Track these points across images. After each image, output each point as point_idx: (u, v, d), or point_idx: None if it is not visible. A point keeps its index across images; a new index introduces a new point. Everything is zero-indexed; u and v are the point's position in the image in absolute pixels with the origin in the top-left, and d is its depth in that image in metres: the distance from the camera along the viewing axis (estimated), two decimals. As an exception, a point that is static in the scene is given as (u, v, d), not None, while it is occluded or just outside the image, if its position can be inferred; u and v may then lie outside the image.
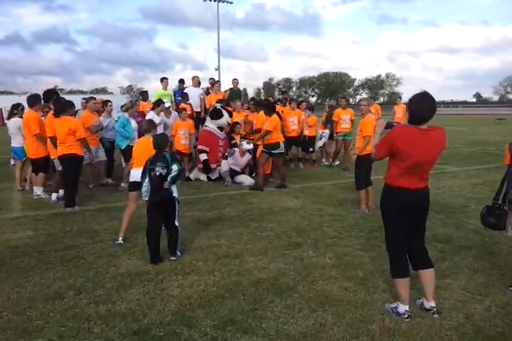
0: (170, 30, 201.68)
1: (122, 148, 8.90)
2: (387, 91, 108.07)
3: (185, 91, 11.41)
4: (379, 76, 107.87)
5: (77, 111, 11.34)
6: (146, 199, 4.84)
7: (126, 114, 8.99)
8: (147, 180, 4.78)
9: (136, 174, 5.29)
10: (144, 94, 12.12)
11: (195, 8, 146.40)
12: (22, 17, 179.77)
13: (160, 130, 9.14)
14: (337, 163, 12.00)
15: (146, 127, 5.79)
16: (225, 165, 9.20)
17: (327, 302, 3.81)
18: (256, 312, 3.64)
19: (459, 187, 8.54)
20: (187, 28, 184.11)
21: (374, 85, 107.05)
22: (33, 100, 8.08)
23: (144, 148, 5.41)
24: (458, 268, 4.55)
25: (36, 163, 7.88)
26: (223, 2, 45.09)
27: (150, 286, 4.19)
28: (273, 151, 8.61)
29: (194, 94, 11.25)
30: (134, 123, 9.11)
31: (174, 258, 4.82)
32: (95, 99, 9.44)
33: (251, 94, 79.91)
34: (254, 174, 9.76)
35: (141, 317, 3.58)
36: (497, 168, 11.00)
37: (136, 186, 5.27)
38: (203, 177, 9.70)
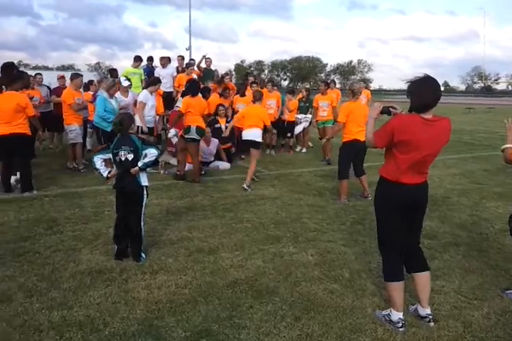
0: (139, 8, 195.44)
1: (108, 130, 7.86)
2: (358, 77, 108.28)
3: (155, 72, 10.87)
4: (350, 62, 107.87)
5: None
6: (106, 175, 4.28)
7: (105, 93, 8.03)
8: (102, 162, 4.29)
9: (248, 133, 7.36)
10: (113, 72, 11.45)
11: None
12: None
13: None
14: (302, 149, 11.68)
15: (258, 96, 7.54)
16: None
17: (312, 308, 3.42)
18: (233, 321, 3.22)
19: (439, 178, 8.30)
20: (157, 6, 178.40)
21: (346, 71, 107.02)
22: None
23: (256, 113, 7.40)
24: (449, 268, 4.24)
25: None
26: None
27: (113, 287, 3.71)
28: (185, 136, 7.68)
29: (165, 74, 10.70)
30: (114, 104, 8.17)
31: (140, 263, 4.20)
32: (82, 76, 8.75)
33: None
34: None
35: (102, 327, 3.11)
36: (473, 158, 10.92)
37: (252, 144, 7.38)
38: (174, 161, 9.14)
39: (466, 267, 4.27)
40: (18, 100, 6.29)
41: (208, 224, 5.37)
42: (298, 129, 11.42)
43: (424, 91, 3.04)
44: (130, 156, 4.12)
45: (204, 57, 12.00)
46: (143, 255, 4.29)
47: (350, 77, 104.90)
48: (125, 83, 8.72)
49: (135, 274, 3.97)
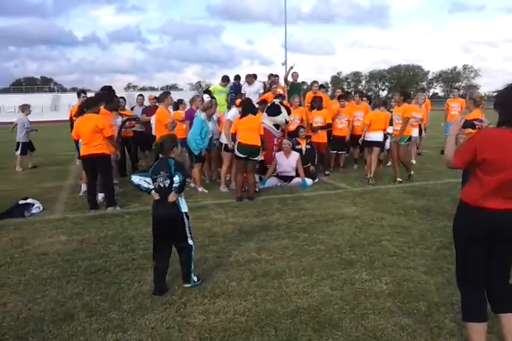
0: (236, 27, 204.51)
1: (196, 153, 8.15)
2: (463, 84, 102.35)
3: (242, 89, 10.98)
4: (455, 68, 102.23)
5: (132, 107, 11.26)
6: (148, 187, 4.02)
7: (203, 115, 8.12)
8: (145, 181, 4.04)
9: (373, 135, 8.88)
10: (209, 92, 11.70)
11: (261, 3, 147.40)
12: (97, 18, 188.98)
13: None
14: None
15: (381, 103, 9.42)
16: (272, 181, 8.71)
17: (378, 346, 3.05)
18: (287, 357, 2.96)
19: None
20: (253, 23, 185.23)
21: (449, 78, 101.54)
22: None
23: (381, 117, 8.95)
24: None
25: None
26: (291, -5, 45.12)
27: (171, 311, 3.62)
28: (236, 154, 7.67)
29: (250, 92, 10.81)
30: (211, 126, 8.33)
31: (188, 285, 4.03)
32: (169, 93, 9.02)
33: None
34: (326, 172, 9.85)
35: (150, 354, 3.02)
36: None
37: (375, 144, 8.91)
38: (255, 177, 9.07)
39: None
40: (96, 122, 6.64)
41: (279, 245, 5.15)
42: (388, 143, 10.79)
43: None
44: (167, 183, 3.90)
45: (291, 68, 11.85)
46: (194, 278, 4.07)
47: (455, 84, 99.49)
48: (207, 100, 8.84)
49: (195, 297, 3.85)
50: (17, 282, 4.27)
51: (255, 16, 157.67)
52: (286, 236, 5.46)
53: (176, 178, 3.86)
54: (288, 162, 8.62)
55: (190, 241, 4.03)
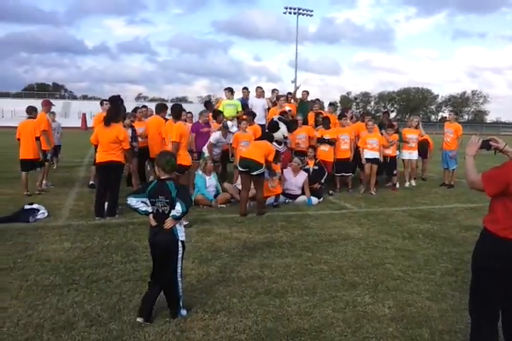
0: (244, 43, 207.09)
1: None
2: (472, 109, 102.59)
3: (249, 101, 10.90)
4: (464, 93, 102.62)
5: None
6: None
7: (200, 171, 8.42)
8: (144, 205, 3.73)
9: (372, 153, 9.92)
10: (208, 105, 11.67)
11: (266, 21, 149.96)
12: (107, 29, 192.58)
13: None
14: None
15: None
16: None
17: (379, 372, 3.00)
18: (286, 378, 2.91)
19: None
20: (259, 40, 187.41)
21: (458, 103, 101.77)
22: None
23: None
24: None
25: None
26: (303, 15, 46.28)
27: (171, 325, 3.59)
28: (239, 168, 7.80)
29: (257, 105, 10.60)
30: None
31: (176, 318, 3.70)
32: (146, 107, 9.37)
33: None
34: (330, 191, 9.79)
35: (148, 369, 2.98)
36: None
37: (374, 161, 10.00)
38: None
39: None
40: (118, 133, 6.93)
41: (282, 263, 5.12)
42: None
43: None
44: (166, 209, 3.60)
45: (297, 88, 11.87)
46: (182, 312, 3.75)
47: (463, 109, 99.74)
48: (233, 129, 8.93)
49: (196, 312, 3.82)
50: (18, 287, 4.26)
51: (261, 34, 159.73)
52: (289, 255, 5.43)
53: (179, 208, 3.54)
54: (295, 180, 8.62)
55: (178, 278, 3.71)
